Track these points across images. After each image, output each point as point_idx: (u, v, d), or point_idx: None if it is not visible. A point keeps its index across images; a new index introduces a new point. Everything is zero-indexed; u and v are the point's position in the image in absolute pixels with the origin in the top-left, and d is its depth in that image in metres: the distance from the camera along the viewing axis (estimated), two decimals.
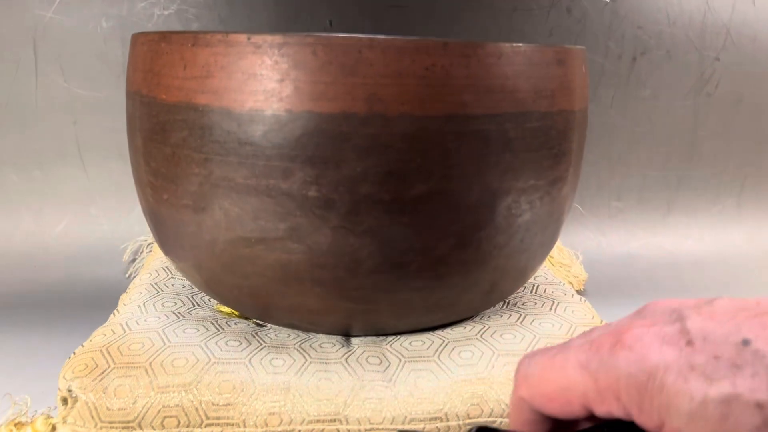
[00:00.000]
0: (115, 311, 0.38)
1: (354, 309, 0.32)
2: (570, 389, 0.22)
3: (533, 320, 0.36)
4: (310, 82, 0.28)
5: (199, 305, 0.38)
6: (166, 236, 0.35)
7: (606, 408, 0.21)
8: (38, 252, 0.58)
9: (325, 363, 0.32)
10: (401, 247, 0.30)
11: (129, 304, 0.38)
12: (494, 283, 0.34)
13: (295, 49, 0.28)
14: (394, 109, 0.28)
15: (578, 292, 0.54)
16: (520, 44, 0.30)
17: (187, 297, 0.39)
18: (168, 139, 0.31)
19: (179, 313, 0.36)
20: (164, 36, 0.31)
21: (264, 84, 0.28)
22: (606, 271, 0.59)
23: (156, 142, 0.32)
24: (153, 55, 0.32)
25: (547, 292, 0.40)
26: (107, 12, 0.57)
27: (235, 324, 0.36)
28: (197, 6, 0.56)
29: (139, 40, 0.33)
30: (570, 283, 0.53)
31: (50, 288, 0.54)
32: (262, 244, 0.31)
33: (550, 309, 0.38)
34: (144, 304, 0.38)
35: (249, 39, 0.28)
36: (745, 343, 0.19)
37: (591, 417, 0.22)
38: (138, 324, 0.35)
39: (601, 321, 0.37)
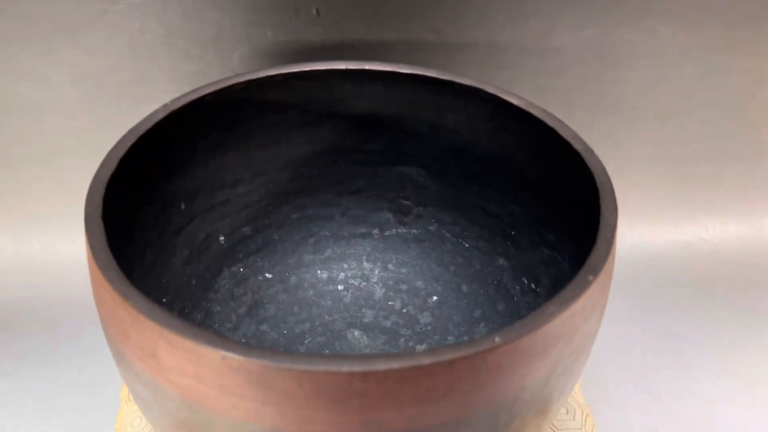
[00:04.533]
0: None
1: None
2: None
3: None
4: (295, 407, 0.25)
5: None
6: None
7: None
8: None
9: None
10: None
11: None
12: None
13: (279, 379, 0.24)
14: (394, 427, 0.26)
15: None
16: (539, 320, 0.26)
17: None
18: (144, 393, 0.29)
19: None
20: (124, 305, 0.27)
21: (245, 401, 0.25)
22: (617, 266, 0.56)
23: (131, 381, 0.30)
24: (116, 315, 0.28)
25: None
26: None
27: None
28: None
29: (96, 276, 0.29)
30: None
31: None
32: None
33: None
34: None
35: (223, 359, 0.25)
36: None
37: None
38: None
39: None
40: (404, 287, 0.50)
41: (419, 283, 0.50)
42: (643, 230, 0.58)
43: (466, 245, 0.48)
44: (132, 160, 0.35)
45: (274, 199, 0.49)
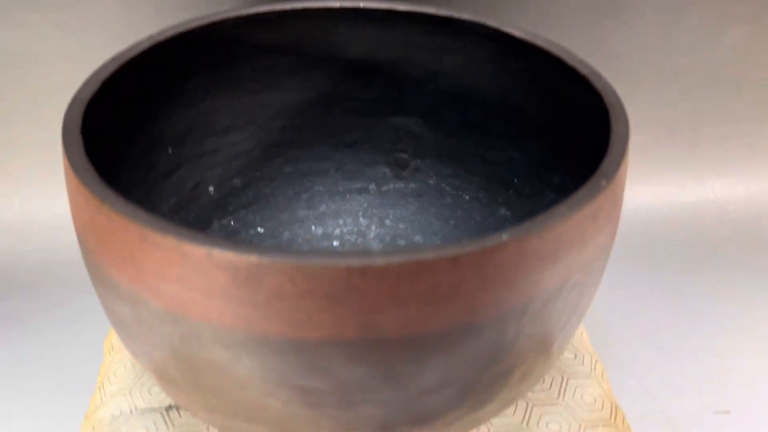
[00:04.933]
0: (101, 391, 0.36)
1: None
2: None
3: (540, 417, 0.34)
4: (287, 309, 0.23)
5: None
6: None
7: None
8: None
9: None
10: (404, 427, 0.28)
11: (115, 384, 0.36)
12: (510, 402, 0.32)
13: (269, 277, 0.22)
14: (392, 333, 0.24)
15: None
16: (548, 222, 0.24)
17: None
18: (124, 311, 0.27)
19: (167, 414, 0.34)
20: (101, 208, 0.25)
21: (232, 304, 0.23)
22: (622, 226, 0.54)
23: (111, 301, 0.28)
24: (93, 221, 0.26)
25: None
26: None
27: None
28: None
29: (72, 181, 0.27)
30: None
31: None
32: (248, 426, 0.28)
33: (558, 394, 0.36)
34: (130, 390, 0.36)
35: (209, 256, 0.23)
36: None
37: None
38: None
39: (613, 405, 0.35)
40: (402, 242, 0.48)
41: (418, 238, 0.48)
42: (648, 191, 0.56)
43: (466, 197, 0.47)
44: (115, 86, 0.33)
45: (266, 150, 0.47)
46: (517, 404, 0.35)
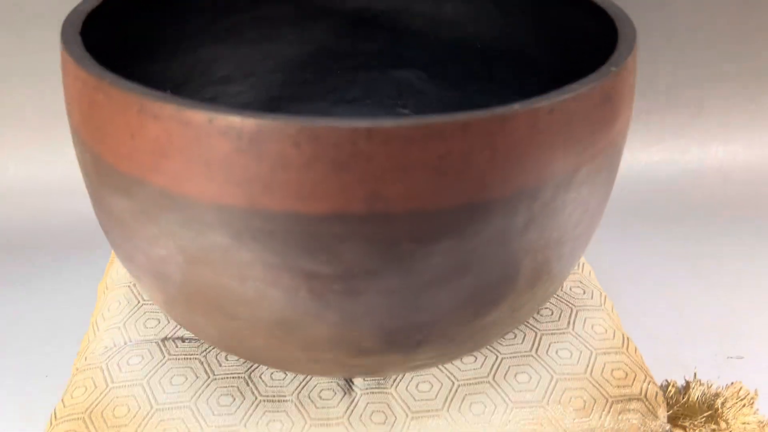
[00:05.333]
0: (94, 327, 0.35)
1: (359, 370, 0.29)
2: None
3: (549, 345, 0.33)
4: (293, 180, 0.22)
5: None
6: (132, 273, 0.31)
7: None
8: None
9: (327, 425, 0.30)
10: (409, 324, 0.27)
11: (108, 321, 0.35)
12: (513, 321, 0.31)
13: (273, 142, 0.22)
14: (399, 207, 0.23)
15: None
16: (561, 98, 0.23)
17: None
18: (122, 204, 0.26)
19: (163, 345, 0.33)
20: (100, 86, 0.24)
21: (234, 176, 0.22)
22: (630, 187, 0.54)
23: (105, 204, 0.27)
24: (90, 103, 0.25)
25: (565, 290, 0.37)
26: None
27: (226, 360, 0.33)
28: None
29: (69, 68, 0.26)
30: None
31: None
32: (248, 329, 0.27)
33: (568, 324, 0.35)
34: (124, 324, 0.35)
35: (210, 122, 0.22)
36: None
37: None
38: (120, 369, 0.32)
39: (624, 336, 0.34)
40: None
41: None
42: (652, 155, 0.56)
43: None
44: (113, 13, 0.33)
45: (265, 104, 0.46)
46: (525, 333, 0.34)
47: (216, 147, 0.22)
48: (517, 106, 0.23)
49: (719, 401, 0.36)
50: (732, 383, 0.37)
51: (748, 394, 0.37)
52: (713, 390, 0.37)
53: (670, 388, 0.37)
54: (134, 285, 0.37)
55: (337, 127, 0.21)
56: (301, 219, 0.23)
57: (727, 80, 0.55)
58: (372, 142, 0.22)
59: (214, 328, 0.28)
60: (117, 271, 0.38)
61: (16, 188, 0.53)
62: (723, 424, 0.36)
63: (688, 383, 0.37)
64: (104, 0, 0.32)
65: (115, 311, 0.35)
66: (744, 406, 0.37)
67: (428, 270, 0.24)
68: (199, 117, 0.22)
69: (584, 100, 0.24)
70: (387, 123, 0.21)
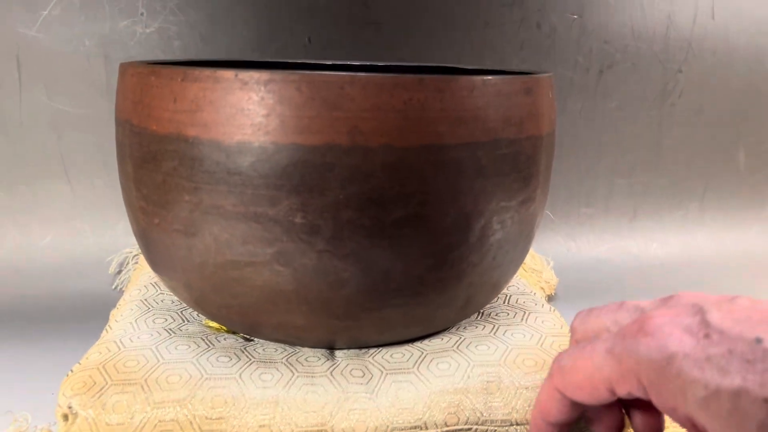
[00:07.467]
0: (108, 327, 0.40)
1: (338, 325, 0.34)
2: (597, 373, 0.24)
3: (506, 331, 0.38)
4: (295, 116, 0.30)
5: (188, 321, 0.40)
6: (156, 257, 0.37)
7: (627, 388, 0.24)
8: (25, 266, 0.59)
9: (312, 377, 0.34)
10: (382, 268, 0.33)
11: (121, 321, 0.40)
12: (469, 298, 0.36)
13: (281, 86, 0.30)
14: (374, 141, 0.30)
15: (549, 297, 0.57)
16: (490, 77, 0.32)
17: (177, 313, 0.41)
18: (159, 167, 0.33)
19: (170, 329, 0.38)
20: (153, 70, 0.33)
21: (251, 118, 0.30)
22: (576, 276, 0.62)
23: (147, 170, 0.34)
24: (143, 87, 0.33)
25: (518, 302, 0.43)
26: (89, 30, 0.58)
27: (224, 339, 0.37)
28: (178, 24, 0.58)
29: (128, 71, 0.35)
30: (542, 288, 0.56)
31: (38, 301, 0.56)
32: (250, 267, 0.32)
33: (522, 320, 0.40)
34: (136, 321, 0.39)
35: (236, 76, 0.30)
36: (758, 341, 0.21)
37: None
38: (131, 341, 0.36)
39: (568, 326, 0.39)
40: None
41: None
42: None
43: None
44: None
45: None
46: (485, 325, 0.39)
47: (240, 95, 0.30)
48: (460, 76, 0.31)
49: None
50: None
51: None
52: None
53: None
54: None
55: (328, 76, 0.30)
56: (300, 149, 0.30)
57: (657, 189, 0.66)
58: (354, 86, 0.30)
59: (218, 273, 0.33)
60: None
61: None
62: None
63: None
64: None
65: (127, 313, 0.40)
66: None
67: (397, 205, 0.31)
68: (227, 74, 0.30)
69: (509, 84, 0.33)
70: (364, 74, 0.30)
